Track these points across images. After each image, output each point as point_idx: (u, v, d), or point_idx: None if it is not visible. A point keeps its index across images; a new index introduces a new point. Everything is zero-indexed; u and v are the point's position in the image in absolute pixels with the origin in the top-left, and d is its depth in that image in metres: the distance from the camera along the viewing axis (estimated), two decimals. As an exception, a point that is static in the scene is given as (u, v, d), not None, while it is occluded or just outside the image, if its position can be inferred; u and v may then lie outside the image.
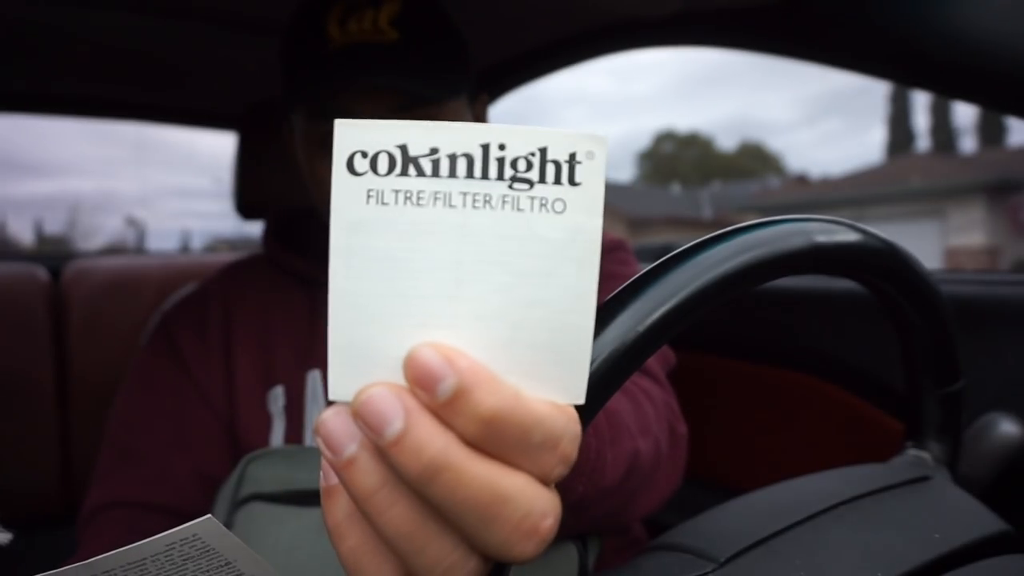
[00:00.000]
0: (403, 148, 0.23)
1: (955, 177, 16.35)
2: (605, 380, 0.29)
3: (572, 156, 0.23)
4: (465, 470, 0.22)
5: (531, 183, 0.23)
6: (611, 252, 0.75)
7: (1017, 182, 15.75)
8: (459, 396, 0.21)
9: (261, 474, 0.59)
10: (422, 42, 0.62)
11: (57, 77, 1.14)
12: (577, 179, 0.23)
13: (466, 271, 0.23)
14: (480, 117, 0.76)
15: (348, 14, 0.61)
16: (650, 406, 0.56)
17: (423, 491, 0.22)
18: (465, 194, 0.23)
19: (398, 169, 0.23)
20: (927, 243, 15.75)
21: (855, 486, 0.41)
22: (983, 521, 0.41)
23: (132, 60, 1.07)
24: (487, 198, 0.23)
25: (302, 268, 0.73)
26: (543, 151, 0.23)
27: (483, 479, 0.22)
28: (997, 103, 0.62)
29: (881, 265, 0.39)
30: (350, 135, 0.23)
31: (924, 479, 0.44)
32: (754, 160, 48.65)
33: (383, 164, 0.23)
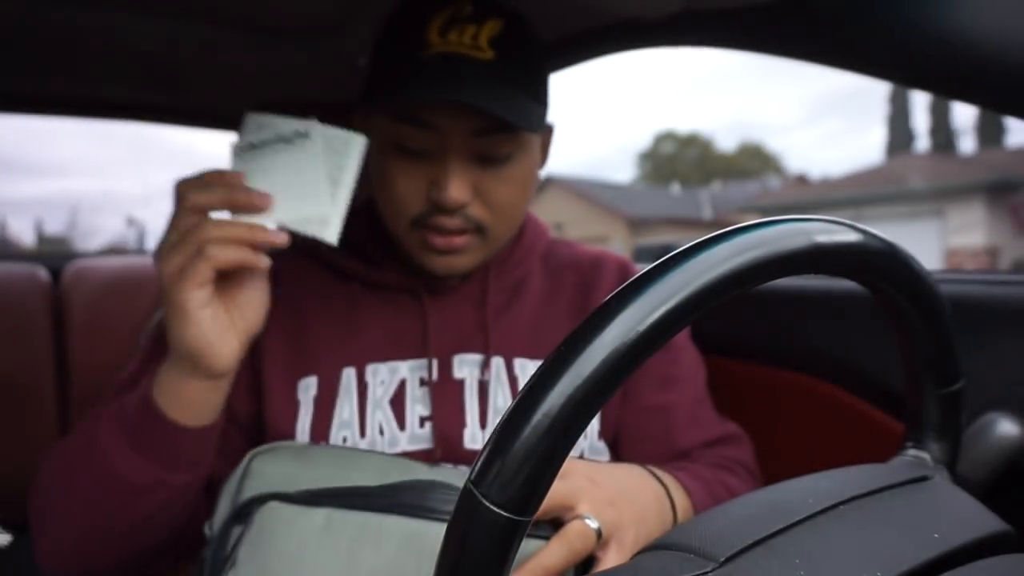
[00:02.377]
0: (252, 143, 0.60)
1: (955, 177, 16.33)
2: (605, 380, 0.29)
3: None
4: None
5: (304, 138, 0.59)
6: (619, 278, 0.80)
7: (1017, 182, 15.74)
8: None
9: (267, 471, 0.59)
10: (515, 67, 0.64)
11: (57, 77, 1.14)
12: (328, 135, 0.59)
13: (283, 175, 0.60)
14: (545, 147, 0.76)
15: (450, 24, 0.62)
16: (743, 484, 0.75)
17: None
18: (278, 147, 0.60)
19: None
20: (927, 243, 15.73)
21: (855, 486, 0.41)
22: (983, 521, 0.41)
23: (132, 60, 1.07)
24: (286, 148, 0.59)
25: (342, 264, 0.74)
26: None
27: None
28: (997, 103, 0.62)
29: (881, 265, 0.40)
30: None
31: (924, 479, 0.44)
32: (754, 160, 48.65)
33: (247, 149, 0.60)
